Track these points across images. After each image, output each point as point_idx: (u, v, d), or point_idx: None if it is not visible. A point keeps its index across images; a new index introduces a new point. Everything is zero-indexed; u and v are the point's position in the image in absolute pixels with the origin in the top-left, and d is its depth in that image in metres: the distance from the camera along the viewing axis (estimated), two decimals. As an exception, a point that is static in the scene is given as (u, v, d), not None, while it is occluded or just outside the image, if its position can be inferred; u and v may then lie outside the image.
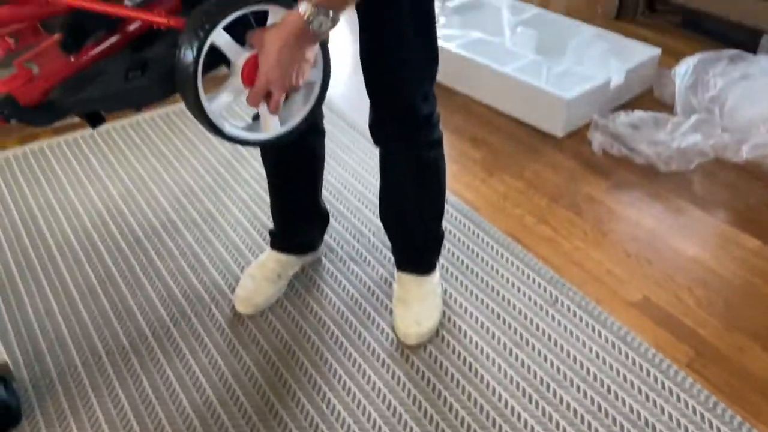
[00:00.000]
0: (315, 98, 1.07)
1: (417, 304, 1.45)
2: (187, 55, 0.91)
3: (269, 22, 0.97)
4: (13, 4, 0.92)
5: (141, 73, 0.96)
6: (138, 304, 1.53)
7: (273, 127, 1.04)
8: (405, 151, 1.31)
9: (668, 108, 2.21)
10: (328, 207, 1.63)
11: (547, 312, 1.50)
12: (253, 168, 1.97)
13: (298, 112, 1.07)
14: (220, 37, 0.93)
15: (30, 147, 2.08)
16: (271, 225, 1.57)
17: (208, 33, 0.91)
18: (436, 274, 1.52)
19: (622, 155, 2.00)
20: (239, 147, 2.07)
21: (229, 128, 1.00)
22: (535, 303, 1.52)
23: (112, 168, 1.98)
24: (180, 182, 1.93)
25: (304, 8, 0.90)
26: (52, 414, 1.29)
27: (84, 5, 0.93)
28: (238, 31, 0.97)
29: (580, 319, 1.47)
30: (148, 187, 1.91)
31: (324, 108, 1.24)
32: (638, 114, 2.10)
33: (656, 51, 2.33)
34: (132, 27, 1.00)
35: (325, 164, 1.53)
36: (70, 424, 1.27)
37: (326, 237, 1.68)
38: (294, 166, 1.45)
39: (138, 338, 1.45)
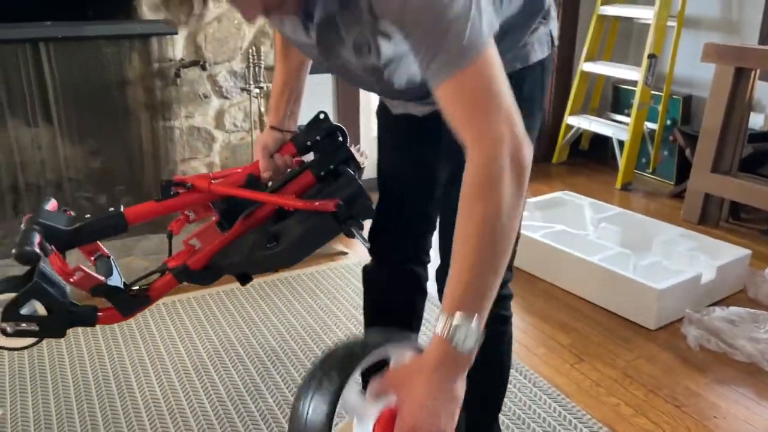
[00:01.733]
0: None
1: None
2: (314, 416, 0.77)
3: (392, 364, 0.85)
4: (187, 193, 1.20)
5: (276, 244, 1.13)
6: (214, 463, 1.49)
7: None
8: None
9: (764, 307, 2.13)
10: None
11: None
12: (335, 335, 1.99)
13: None
14: (349, 394, 0.79)
15: (131, 306, 2.19)
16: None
17: (340, 389, 0.78)
18: None
19: (721, 351, 1.90)
20: (321, 313, 2.12)
21: None
22: (639, 500, 1.37)
23: (204, 330, 2.05)
24: (266, 346, 1.96)
25: (440, 325, 0.78)
26: None
27: (234, 193, 1.18)
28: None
29: None
30: (235, 350, 1.94)
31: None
32: (734, 309, 2.03)
33: (746, 252, 2.31)
34: (269, 207, 1.20)
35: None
36: None
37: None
38: (393, 320, 1.45)
39: (211, 499, 1.38)
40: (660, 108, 3.39)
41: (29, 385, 1.77)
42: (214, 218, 1.21)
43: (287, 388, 1.76)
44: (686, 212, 2.97)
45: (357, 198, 1.13)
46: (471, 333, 0.77)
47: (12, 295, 1.14)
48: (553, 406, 1.67)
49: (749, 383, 1.78)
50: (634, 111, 3.33)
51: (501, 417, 1.37)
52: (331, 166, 1.18)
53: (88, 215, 1.20)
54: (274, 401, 1.70)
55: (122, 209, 1.19)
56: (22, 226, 1.15)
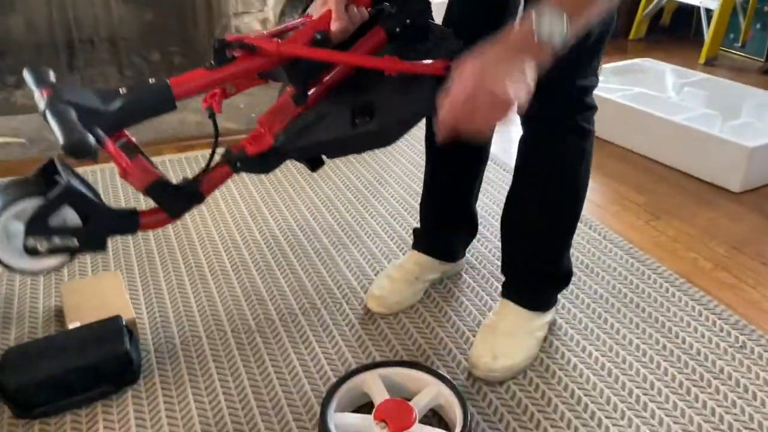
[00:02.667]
0: None
1: (502, 336, 1.21)
2: None
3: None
4: (246, 57, 0.95)
5: (369, 119, 0.91)
6: (269, 292, 1.46)
7: None
8: (549, 130, 1.11)
9: None
10: (477, 220, 1.51)
11: (732, 356, 1.25)
12: (393, 189, 1.91)
13: None
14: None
15: (186, 155, 2.15)
16: (408, 237, 1.47)
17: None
18: (547, 317, 1.28)
19: (816, 214, 1.74)
20: (379, 169, 2.03)
21: None
22: (717, 345, 1.28)
23: (258, 176, 1.99)
24: (321, 194, 1.89)
25: (527, 12, 0.77)
26: (170, 378, 1.20)
27: (314, 56, 0.94)
28: None
29: (777, 370, 1.21)
30: (289, 194, 1.89)
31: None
32: (834, 173, 1.84)
33: None
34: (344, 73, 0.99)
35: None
36: (186, 389, 1.18)
37: (468, 256, 1.54)
38: (458, 162, 1.34)
39: (265, 322, 1.36)
40: (758, -27, 3.04)
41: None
42: (288, 90, 0.98)
43: (341, 230, 1.70)
44: (779, 85, 2.70)
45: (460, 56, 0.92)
46: (555, 24, 0.74)
47: (31, 202, 0.89)
48: (625, 258, 1.56)
49: None
50: (728, -25, 2.98)
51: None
52: (408, 20, 0.97)
53: (122, 88, 0.95)
54: (329, 241, 1.65)
55: (167, 81, 0.95)
56: (41, 104, 0.88)
